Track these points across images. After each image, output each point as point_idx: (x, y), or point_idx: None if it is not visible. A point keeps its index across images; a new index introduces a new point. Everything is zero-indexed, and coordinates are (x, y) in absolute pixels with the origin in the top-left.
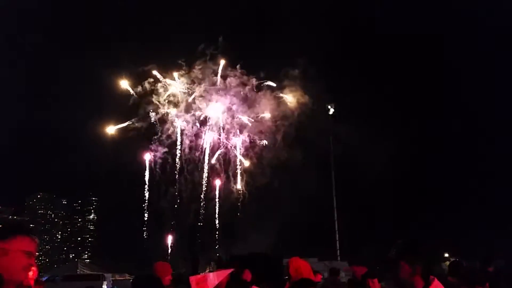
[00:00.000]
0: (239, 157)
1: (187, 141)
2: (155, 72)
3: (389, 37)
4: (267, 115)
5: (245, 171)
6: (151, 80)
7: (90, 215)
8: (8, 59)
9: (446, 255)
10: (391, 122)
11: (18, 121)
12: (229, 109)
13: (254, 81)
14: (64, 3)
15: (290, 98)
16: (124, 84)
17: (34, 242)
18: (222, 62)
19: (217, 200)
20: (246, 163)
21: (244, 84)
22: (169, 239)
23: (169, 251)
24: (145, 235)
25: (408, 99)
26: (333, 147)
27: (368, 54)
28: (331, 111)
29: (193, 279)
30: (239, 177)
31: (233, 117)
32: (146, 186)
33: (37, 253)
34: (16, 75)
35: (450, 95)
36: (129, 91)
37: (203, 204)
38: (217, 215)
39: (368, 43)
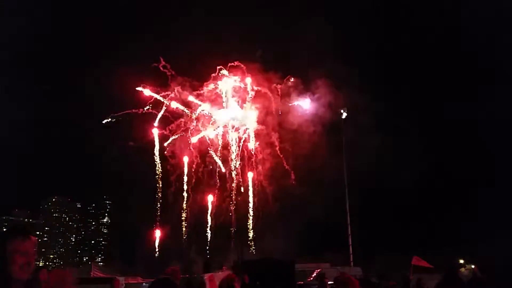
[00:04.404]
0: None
1: (216, 145)
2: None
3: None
4: (295, 118)
5: (266, 175)
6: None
7: (104, 218)
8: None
9: (461, 261)
10: (408, 126)
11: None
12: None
13: (287, 83)
14: None
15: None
16: (147, 92)
17: (26, 241)
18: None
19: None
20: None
21: (274, 89)
22: (182, 242)
23: (182, 254)
24: (159, 238)
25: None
26: (345, 151)
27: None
28: (344, 115)
29: (207, 276)
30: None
31: (262, 120)
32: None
33: (35, 250)
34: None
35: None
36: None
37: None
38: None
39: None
